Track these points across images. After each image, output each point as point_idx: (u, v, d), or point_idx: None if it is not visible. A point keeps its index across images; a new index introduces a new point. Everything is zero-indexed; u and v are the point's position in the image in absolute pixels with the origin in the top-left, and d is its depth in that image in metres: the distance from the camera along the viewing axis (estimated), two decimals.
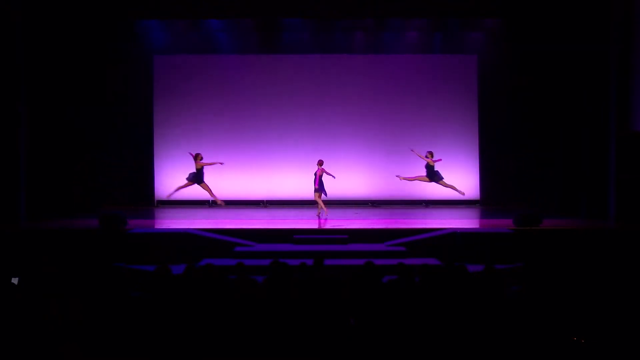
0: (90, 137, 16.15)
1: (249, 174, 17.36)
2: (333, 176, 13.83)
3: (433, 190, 17.35)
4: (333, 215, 14.14)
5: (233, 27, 16.72)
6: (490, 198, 17.15)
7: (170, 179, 17.37)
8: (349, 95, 17.29)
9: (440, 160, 14.45)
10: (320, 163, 13.91)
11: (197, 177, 13.91)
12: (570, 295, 7.14)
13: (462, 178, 17.36)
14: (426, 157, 14.36)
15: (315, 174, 13.83)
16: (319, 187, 13.74)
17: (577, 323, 6.33)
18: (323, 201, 13.85)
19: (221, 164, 14.11)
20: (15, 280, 7.80)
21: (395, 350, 5.94)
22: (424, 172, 14.48)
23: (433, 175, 14.31)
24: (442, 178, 14.39)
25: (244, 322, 6.23)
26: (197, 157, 13.88)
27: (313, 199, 14.26)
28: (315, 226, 12.57)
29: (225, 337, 6.09)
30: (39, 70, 13.93)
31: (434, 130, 17.32)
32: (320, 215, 13.80)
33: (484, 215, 15.26)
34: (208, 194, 14.15)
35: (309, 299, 6.49)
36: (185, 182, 14.08)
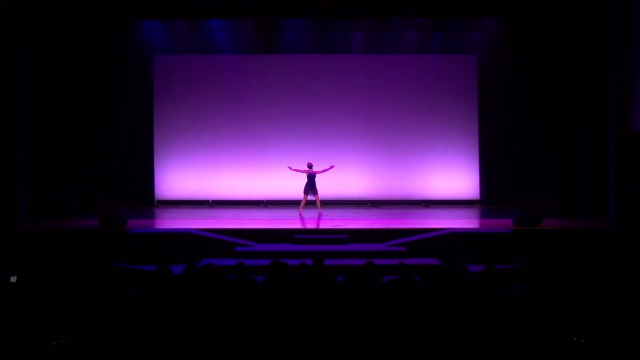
0: (90, 137, 16.13)
1: (249, 174, 17.37)
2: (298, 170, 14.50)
3: (433, 190, 17.40)
4: (333, 215, 14.17)
5: (233, 27, 16.72)
6: (490, 198, 17.16)
7: (170, 179, 17.43)
8: (349, 95, 17.29)
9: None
10: (310, 166, 14.43)
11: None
12: (571, 295, 7.15)
13: (462, 178, 17.42)
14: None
15: (312, 175, 14.28)
16: (305, 188, 14.28)
17: (577, 323, 6.33)
18: (322, 200, 14.25)
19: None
20: (14, 279, 7.81)
21: (395, 351, 5.94)
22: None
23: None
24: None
25: (244, 323, 6.22)
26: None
27: (312, 199, 14.52)
28: (315, 226, 12.57)
29: (225, 337, 6.09)
30: (39, 70, 13.91)
31: (433, 130, 17.33)
32: (300, 213, 14.10)
33: (484, 215, 15.25)
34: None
35: (309, 299, 6.49)
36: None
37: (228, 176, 17.39)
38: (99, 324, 6.16)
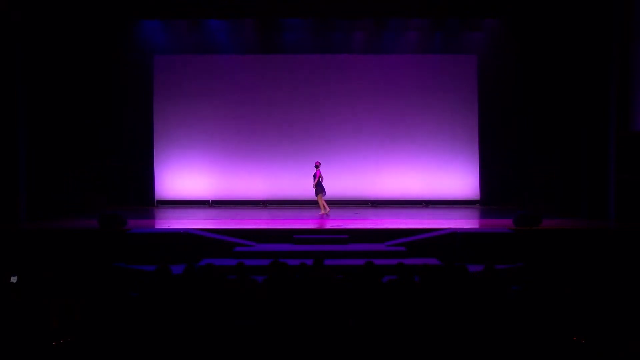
0: (90, 137, 16.15)
1: (249, 174, 17.37)
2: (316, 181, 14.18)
3: (433, 190, 17.40)
4: (333, 215, 14.17)
5: (233, 27, 16.72)
6: (490, 198, 17.16)
7: (171, 178, 17.43)
8: (349, 95, 17.29)
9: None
10: (318, 165, 14.24)
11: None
12: (571, 295, 7.14)
13: (462, 178, 17.41)
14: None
15: (314, 175, 14.14)
16: (318, 187, 13.99)
17: (577, 323, 6.33)
18: (325, 200, 14.08)
19: None
20: (14, 279, 7.81)
21: (395, 351, 5.93)
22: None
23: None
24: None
25: (244, 323, 6.22)
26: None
27: (313, 199, 14.50)
28: (315, 226, 12.57)
29: (225, 337, 6.08)
30: (39, 70, 13.92)
31: (433, 130, 17.32)
32: (322, 215, 13.98)
33: (484, 215, 15.25)
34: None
35: (309, 299, 6.49)
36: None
37: (228, 176, 17.39)
38: (99, 324, 6.16)
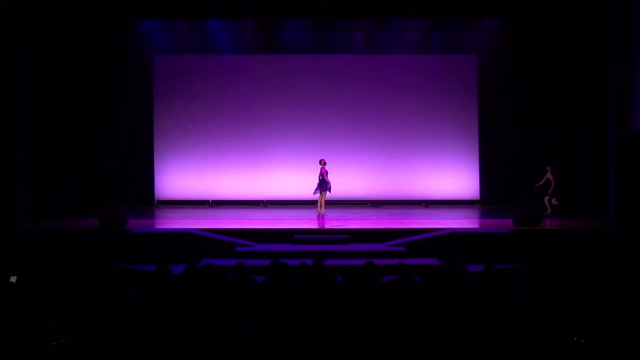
0: (90, 137, 16.15)
1: (249, 174, 17.37)
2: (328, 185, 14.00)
3: (433, 190, 17.40)
4: (333, 215, 14.16)
5: (233, 27, 16.72)
6: (490, 198, 17.15)
7: (170, 179, 17.43)
8: (349, 95, 17.29)
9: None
10: (323, 163, 14.07)
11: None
12: (570, 295, 7.14)
13: (462, 178, 17.41)
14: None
15: (321, 174, 14.00)
16: (318, 186, 13.93)
17: (577, 323, 6.33)
18: (326, 200, 14.06)
19: None
20: (14, 279, 7.81)
21: (395, 351, 5.93)
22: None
23: None
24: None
25: (244, 323, 6.22)
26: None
27: (312, 198, 14.45)
28: (315, 226, 12.57)
29: (225, 338, 6.08)
30: (39, 70, 13.92)
31: (433, 130, 17.32)
32: (319, 214, 13.95)
33: (484, 215, 15.25)
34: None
35: (309, 299, 6.49)
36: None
37: (228, 176, 17.39)
38: (99, 324, 6.16)
